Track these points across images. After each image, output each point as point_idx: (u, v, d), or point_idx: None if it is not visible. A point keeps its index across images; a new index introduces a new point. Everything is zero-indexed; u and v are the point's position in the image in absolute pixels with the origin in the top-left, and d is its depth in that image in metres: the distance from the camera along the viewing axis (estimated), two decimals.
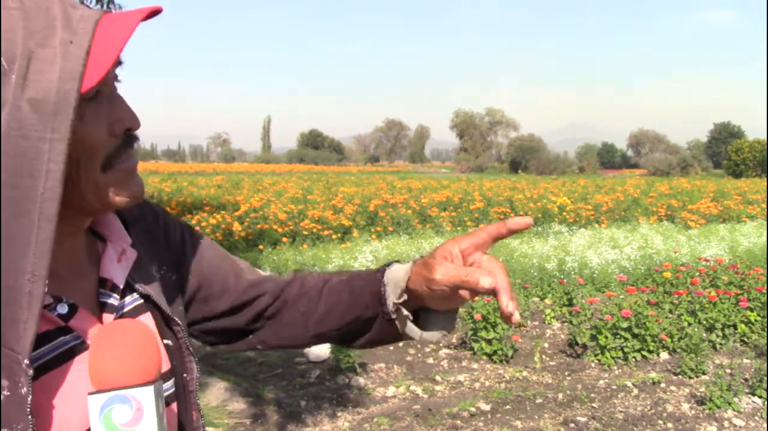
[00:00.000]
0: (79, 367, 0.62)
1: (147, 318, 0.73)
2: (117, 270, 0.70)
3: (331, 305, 0.86)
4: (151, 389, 0.58)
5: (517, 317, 0.69)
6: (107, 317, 0.68)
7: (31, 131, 0.54)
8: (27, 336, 0.54)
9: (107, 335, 0.61)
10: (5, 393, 0.54)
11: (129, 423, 0.57)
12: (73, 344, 0.63)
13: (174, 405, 0.74)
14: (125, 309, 0.71)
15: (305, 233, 9.33)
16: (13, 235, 0.54)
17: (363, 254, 7.27)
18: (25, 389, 0.54)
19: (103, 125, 0.62)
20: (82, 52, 0.56)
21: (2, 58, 0.53)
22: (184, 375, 0.76)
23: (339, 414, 3.98)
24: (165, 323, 0.75)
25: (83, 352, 0.63)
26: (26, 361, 0.54)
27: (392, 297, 0.78)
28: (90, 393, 0.58)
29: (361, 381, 4.51)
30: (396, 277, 0.78)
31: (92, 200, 0.64)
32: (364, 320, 0.84)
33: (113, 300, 0.69)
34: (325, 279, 0.88)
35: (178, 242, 0.84)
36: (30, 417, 0.55)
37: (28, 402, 0.55)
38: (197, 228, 8.77)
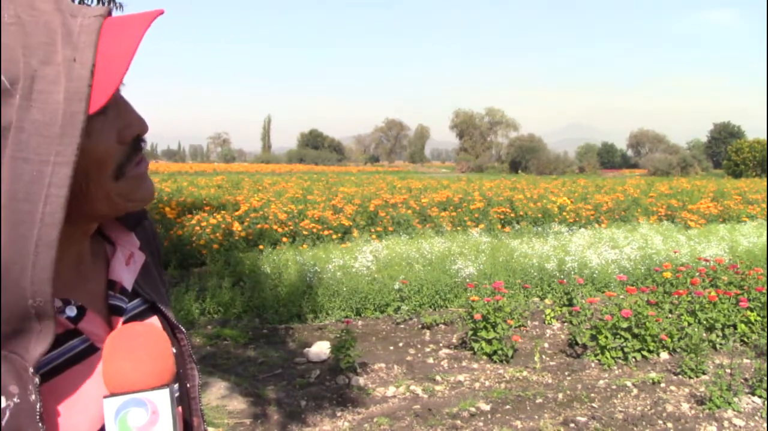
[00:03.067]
0: (88, 370, 0.62)
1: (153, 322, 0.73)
2: (125, 273, 0.70)
3: None
4: (167, 391, 0.58)
5: None
6: (115, 320, 0.67)
7: (33, 154, 0.51)
8: (39, 345, 0.54)
9: (122, 338, 0.60)
10: (15, 400, 0.52)
11: (145, 426, 0.57)
12: (83, 347, 0.63)
13: (178, 409, 0.74)
14: (131, 313, 0.70)
15: (305, 233, 9.32)
16: (11, 260, 0.51)
17: (363, 254, 7.26)
18: (33, 396, 0.53)
19: (111, 135, 0.60)
20: (87, 71, 0.53)
21: (3, 78, 0.51)
22: (186, 382, 0.76)
23: (339, 414, 3.98)
24: (170, 330, 0.75)
25: (92, 355, 0.63)
26: (31, 369, 0.54)
27: None
28: (105, 397, 0.57)
29: (361, 381, 4.51)
30: None
31: (104, 209, 0.63)
32: None
33: (121, 303, 0.68)
34: None
35: (158, 264, 0.86)
36: (40, 424, 0.54)
37: (38, 409, 0.54)
38: (197, 228, 8.79)
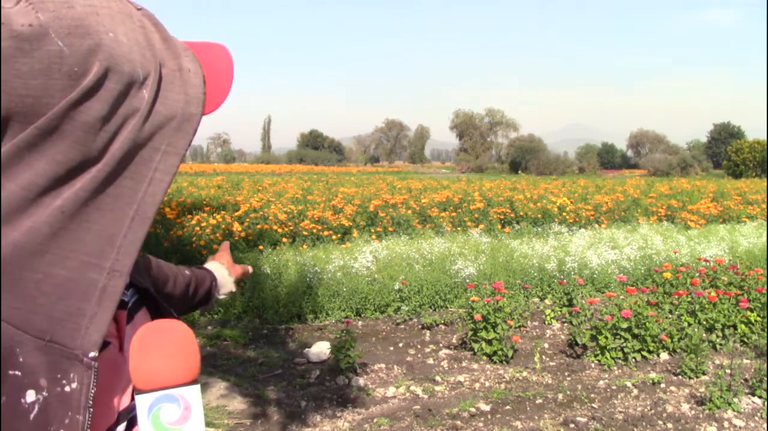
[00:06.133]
0: (101, 365, 0.62)
1: (143, 314, 0.73)
2: None
3: (181, 295, 1.17)
4: (197, 387, 0.59)
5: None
6: (119, 313, 0.68)
7: (149, 141, 0.58)
8: (93, 330, 0.55)
9: (151, 334, 0.61)
10: (44, 394, 0.53)
11: (177, 421, 0.58)
12: None
13: None
14: (129, 305, 0.71)
15: (305, 233, 9.32)
16: (95, 229, 0.55)
17: (363, 255, 7.26)
18: (75, 384, 0.54)
19: None
20: (200, 80, 0.62)
21: (140, 71, 0.57)
22: None
23: (339, 414, 3.98)
24: (160, 317, 0.75)
25: (104, 350, 0.63)
26: (92, 353, 0.55)
27: (217, 293, 1.25)
28: (137, 393, 0.58)
29: (361, 381, 4.51)
30: (223, 280, 1.26)
31: None
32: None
33: (123, 296, 0.69)
34: (175, 273, 1.15)
35: None
36: (90, 410, 0.55)
37: (89, 396, 0.55)
38: (197, 229, 8.78)
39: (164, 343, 0.60)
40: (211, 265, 1.29)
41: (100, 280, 0.55)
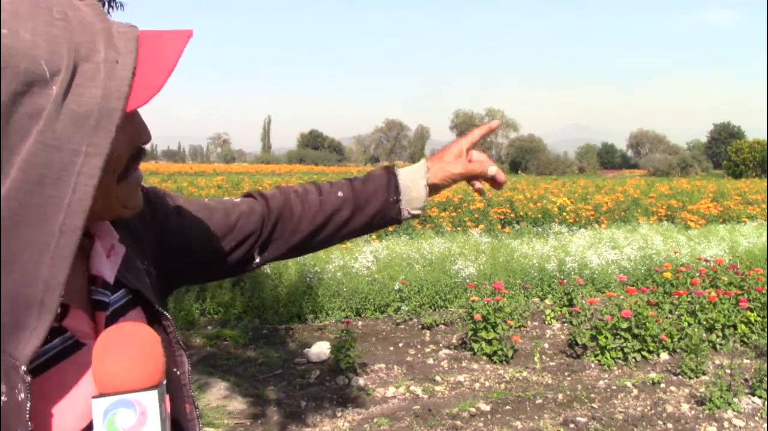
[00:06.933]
0: (74, 366, 0.62)
1: (137, 314, 0.73)
2: (106, 267, 0.70)
3: (320, 224, 1.01)
4: (155, 393, 0.58)
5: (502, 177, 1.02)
6: (99, 314, 0.67)
7: (66, 143, 0.53)
8: (32, 343, 0.54)
9: (113, 338, 0.60)
10: (3, 398, 0.53)
11: (133, 427, 0.57)
12: (68, 344, 0.63)
13: (167, 399, 0.75)
14: (115, 306, 0.70)
15: None
16: (28, 242, 0.53)
17: (363, 255, 7.26)
18: (23, 395, 0.54)
19: (125, 138, 0.63)
20: (128, 73, 0.57)
21: (45, 68, 0.53)
22: (175, 369, 0.76)
23: (339, 414, 3.98)
24: (154, 318, 0.75)
25: (78, 351, 0.63)
26: (23, 368, 0.54)
27: (407, 207, 1.01)
28: (94, 397, 0.57)
29: (361, 381, 4.51)
30: (411, 186, 1.01)
31: (101, 210, 0.64)
32: (368, 225, 1.04)
33: (104, 298, 0.68)
34: (311, 204, 1.00)
35: (160, 220, 0.87)
36: (29, 423, 0.54)
37: (27, 408, 0.54)
38: None
39: (124, 347, 0.59)
40: (410, 169, 1.04)
41: (37, 294, 0.54)
